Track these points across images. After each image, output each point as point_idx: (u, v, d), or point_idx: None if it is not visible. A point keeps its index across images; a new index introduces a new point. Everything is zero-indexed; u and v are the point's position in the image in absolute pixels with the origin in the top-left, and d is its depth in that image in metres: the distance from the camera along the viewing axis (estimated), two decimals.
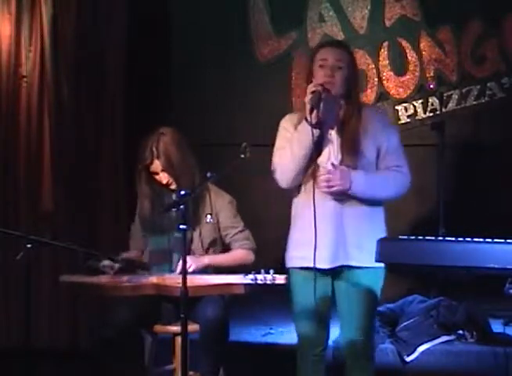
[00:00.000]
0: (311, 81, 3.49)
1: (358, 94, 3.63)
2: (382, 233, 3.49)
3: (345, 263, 3.49)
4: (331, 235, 3.47)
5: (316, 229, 3.41)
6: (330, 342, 3.80)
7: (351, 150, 3.48)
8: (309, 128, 3.41)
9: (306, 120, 3.43)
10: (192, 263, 3.90)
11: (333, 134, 3.52)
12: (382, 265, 3.25)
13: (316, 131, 3.44)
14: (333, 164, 3.46)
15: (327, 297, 3.58)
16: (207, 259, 4.04)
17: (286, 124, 3.63)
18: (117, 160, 5.32)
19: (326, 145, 3.51)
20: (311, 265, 3.44)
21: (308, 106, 3.41)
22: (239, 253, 4.12)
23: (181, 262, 3.92)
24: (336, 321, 3.66)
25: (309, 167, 3.49)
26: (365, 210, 3.51)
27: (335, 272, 3.54)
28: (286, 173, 3.52)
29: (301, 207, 3.55)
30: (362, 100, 3.85)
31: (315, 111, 3.40)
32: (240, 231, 4.13)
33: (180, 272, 3.90)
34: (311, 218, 3.42)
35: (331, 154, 3.50)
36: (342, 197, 3.48)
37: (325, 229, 3.45)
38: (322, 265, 3.47)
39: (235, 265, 4.08)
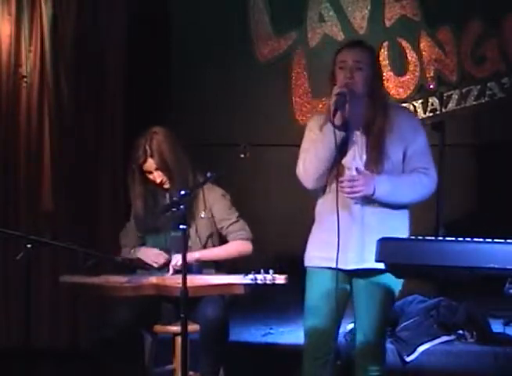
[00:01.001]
0: (335, 84, 3.46)
1: (382, 93, 3.58)
2: (405, 236, 3.44)
3: (367, 266, 3.42)
4: (355, 237, 3.44)
5: (339, 230, 3.38)
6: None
7: (376, 151, 3.44)
8: (333, 129, 3.39)
9: (330, 121, 3.41)
10: (179, 259, 3.75)
11: (358, 135, 3.48)
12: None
13: (340, 133, 3.40)
14: (356, 169, 3.42)
15: (345, 299, 3.54)
16: (197, 254, 4.01)
17: (312, 125, 3.60)
18: (117, 160, 5.31)
19: (352, 146, 3.47)
20: (333, 265, 3.40)
21: (331, 108, 3.38)
22: (236, 244, 4.10)
23: (172, 263, 3.96)
24: (343, 323, 3.65)
25: (334, 168, 3.44)
26: (389, 212, 3.47)
27: (356, 274, 3.50)
28: (311, 174, 3.48)
29: (326, 208, 3.51)
30: (387, 99, 3.76)
31: (338, 113, 3.37)
32: (235, 222, 4.11)
33: (172, 274, 3.93)
34: (335, 220, 3.39)
35: (356, 155, 3.46)
36: (366, 200, 3.44)
37: (349, 231, 3.42)
38: (345, 266, 3.44)
39: (232, 256, 4.07)
